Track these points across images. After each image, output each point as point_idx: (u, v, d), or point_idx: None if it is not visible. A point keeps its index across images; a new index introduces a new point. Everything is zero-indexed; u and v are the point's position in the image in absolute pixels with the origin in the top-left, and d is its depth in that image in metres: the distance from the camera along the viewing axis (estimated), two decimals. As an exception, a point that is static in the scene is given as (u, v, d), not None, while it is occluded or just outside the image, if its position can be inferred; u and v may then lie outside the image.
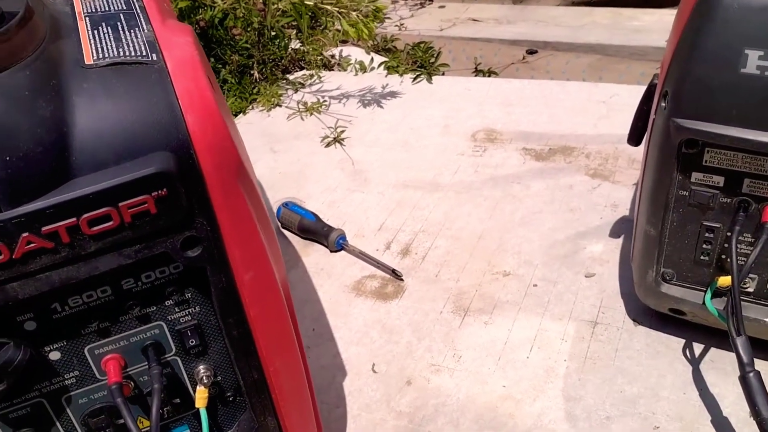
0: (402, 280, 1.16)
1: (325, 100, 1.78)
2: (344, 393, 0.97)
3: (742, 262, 0.81)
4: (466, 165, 1.46)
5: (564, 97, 1.65)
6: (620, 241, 1.18)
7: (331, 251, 1.24)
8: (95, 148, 0.54)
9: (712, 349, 0.95)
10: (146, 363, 0.65)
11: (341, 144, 1.59)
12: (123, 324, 0.62)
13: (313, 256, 1.24)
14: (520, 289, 1.11)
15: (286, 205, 1.29)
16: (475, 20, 2.10)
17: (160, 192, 0.55)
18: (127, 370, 0.65)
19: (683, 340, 0.98)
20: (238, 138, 0.74)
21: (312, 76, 1.93)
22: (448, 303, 1.10)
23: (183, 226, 0.58)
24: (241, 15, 1.95)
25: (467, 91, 1.75)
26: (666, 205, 0.85)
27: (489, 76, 1.89)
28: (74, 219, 0.53)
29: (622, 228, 1.20)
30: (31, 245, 0.52)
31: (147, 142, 0.55)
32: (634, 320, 1.02)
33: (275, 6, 1.97)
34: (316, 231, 1.24)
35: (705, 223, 0.85)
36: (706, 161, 0.80)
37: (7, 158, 0.50)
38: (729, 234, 0.81)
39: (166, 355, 0.65)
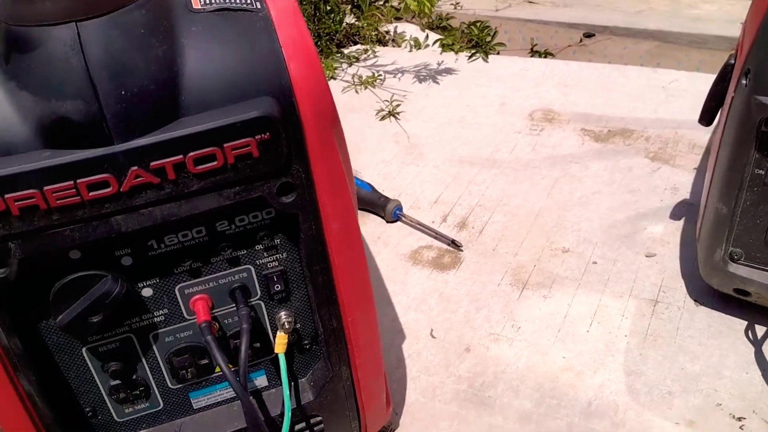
0: (461, 250, 1.17)
1: (379, 75, 1.79)
2: (403, 355, 0.98)
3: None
4: (523, 143, 1.46)
5: (623, 81, 1.64)
6: (681, 223, 1.17)
7: (388, 222, 1.25)
8: (203, 89, 0.56)
9: (777, 332, 0.95)
10: (232, 306, 0.67)
11: (396, 118, 1.60)
12: (214, 265, 0.64)
13: (369, 225, 1.25)
14: (580, 266, 1.11)
15: (346, 172, 1.31)
16: (531, 2, 2.09)
17: (263, 136, 0.56)
18: (214, 311, 0.67)
19: (746, 322, 0.97)
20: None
21: (366, 51, 1.94)
22: (507, 276, 1.11)
23: (280, 171, 0.59)
24: (299, -12, 1.96)
25: (524, 71, 1.74)
26: (740, 184, 0.85)
27: (545, 57, 1.88)
28: (181, 156, 0.54)
29: (682, 211, 1.20)
30: (139, 179, 0.54)
31: (251, 86, 0.57)
32: (695, 300, 1.02)
33: (333, -20, 1.98)
34: (373, 201, 1.26)
35: (780, 203, 0.84)
36: (787, 139, 0.79)
37: (123, 92, 0.52)
38: (807, 214, 0.80)
39: (251, 299, 0.67)
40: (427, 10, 1.62)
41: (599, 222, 1.20)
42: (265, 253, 0.65)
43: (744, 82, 0.80)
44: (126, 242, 0.60)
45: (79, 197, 0.53)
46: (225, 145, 0.55)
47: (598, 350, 0.95)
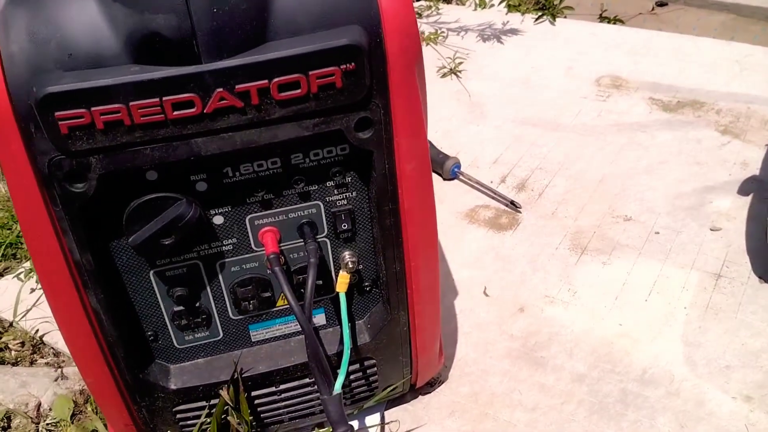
0: (520, 211, 1.15)
1: (442, 32, 1.76)
2: (456, 311, 0.98)
3: None
4: (589, 108, 1.42)
5: (694, 52, 1.58)
6: (749, 199, 1.13)
7: (445, 179, 1.24)
8: (292, 13, 0.55)
9: None
10: (299, 241, 0.67)
11: (458, 76, 1.57)
12: (285, 198, 0.64)
13: (428, 179, 1.24)
14: (642, 235, 1.08)
15: (407, 125, 1.29)
16: (602, -34, 2.01)
17: (348, 65, 0.55)
18: (281, 244, 0.67)
19: (813, 304, 0.94)
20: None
21: (430, 7, 1.90)
22: (565, 240, 1.09)
23: (360, 105, 0.58)
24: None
25: (592, 36, 1.69)
26: (827, 157, 0.81)
27: (615, 23, 1.82)
28: (266, 81, 0.54)
29: (751, 186, 1.15)
30: (223, 102, 0.54)
31: (341, 14, 0.55)
32: (760, 278, 0.99)
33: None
34: (431, 158, 1.24)
35: None
36: None
37: (215, 10, 0.51)
38: None
39: (318, 236, 0.67)
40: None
41: (664, 192, 1.17)
42: (335, 191, 0.65)
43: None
44: (202, 167, 0.60)
45: (163, 115, 0.53)
46: (310, 72, 0.55)
47: (657, 319, 0.93)
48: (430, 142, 1.27)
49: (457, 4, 1.94)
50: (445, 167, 1.23)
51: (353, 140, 0.60)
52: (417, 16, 1.86)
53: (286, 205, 0.65)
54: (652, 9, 1.82)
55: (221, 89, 0.53)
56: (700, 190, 1.16)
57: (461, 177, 1.23)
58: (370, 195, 0.65)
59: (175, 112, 0.53)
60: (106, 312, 0.64)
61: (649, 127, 1.34)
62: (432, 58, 1.65)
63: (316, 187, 0.64)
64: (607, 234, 1.09)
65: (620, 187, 1.19)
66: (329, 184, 0.64)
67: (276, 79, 0.54)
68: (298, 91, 0.55)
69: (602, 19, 1.84)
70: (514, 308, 0.97)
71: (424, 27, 1.81)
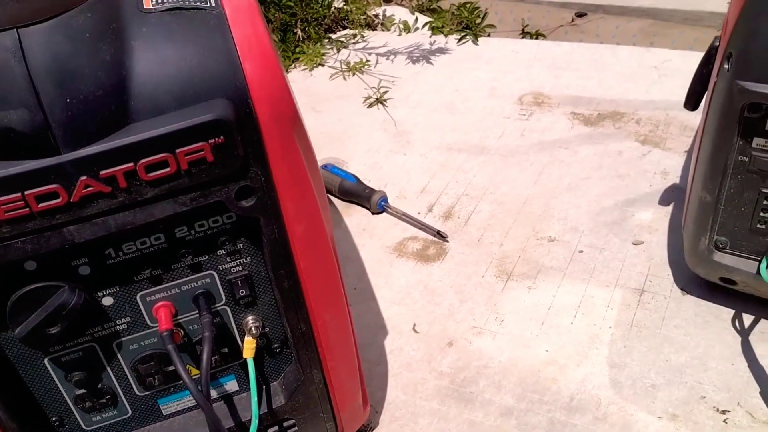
0: (447, 241, 1.15)
1: (368, 60, 1.76)
2: (385, 351, 0.97)
3: (803, 232, 0.78)
4: (512, 128, 1.43)
5: (614, 61, 1.61)
6: (670, 209, 1.15)
7: (373, 213, 1.23)
8: (153, 92, 0.54)
9: (763, 321, 0.93)
10: (196, 312, 0.65)
11: (384, 105, 1.57)
12: (175, 272, 0.63)
13: (354, 216, 1.24)
14: (566, 255, 1.09)
15: (326, 167, 1.29)
16: (522, -19, 2.05)
17: (217, 139, 0.55)
18: (178, 318, 0.65)
19: (732, 311, 0.95)
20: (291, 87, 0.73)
21: (355, 35, 1.91)
22: (491, 267, 1.09)
23: (238, 175, 0.57)
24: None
25: (514, 54, 1.71)
26: (724, 171, 0.82)
27: (537, 38, 1.85)
28: (132, 164, 0.53)
29: (672, 196, 1.17)
30: (89, 189, 0.53)
31: (205, 88, 0.55)
32: (682, 289, 1.00)
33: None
34: (358, 193, 1.24)
35: (764, 191, 0.82)
36: (770, 126, 0.77)
37: (68, 100, 0.50)
38: (791, 202, 0.78)
39: (216, 305, 0.66)
40: (414, -7, 1.59)
41: (587, 209, 1.18)
42: (228, 258, 0.64)
43: (726, 66, 0.78)
44: (82, 252, 0.59)
45: (28, 209, 0.52)
46: (177, 150, 0.54)
47: (582, 342, 0.94)
48: (357, 178, 1.27)
49: (383, 29, 1.95)
50: (372, 201, 1.22)
51: (236, 210, 0.59)
52: (343, 45, 1.87)
53: (177, 279, 0.63)
54: (572, 20, 1.85)
55: (85, 177, 0.52)
56: (622, 203, 1.18)
57: (389, 210, 1.22)
58: (264, 259, 0.65)
59: (41, 204, 0.52)
60: (3, 405, 0.62)
61: (571, 142, 1.35)
62: (359, 88, 1.66)
63: (207, 257, 0.63)
64: (532, 257, 1.10)
65: (544, 208, 1.20)
66: (220, 252, 0.63)
67: (142, 161, 0.53)
68: (168, 169, 0.54)
69: (524, 34, 1.87)
70: (443, 343, 0.97)
71: (352, 56, 1.81)
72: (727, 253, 0.89)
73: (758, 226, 0.85)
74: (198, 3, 0.58)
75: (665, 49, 1.63)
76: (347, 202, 1.27)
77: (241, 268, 0.65)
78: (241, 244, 0.64)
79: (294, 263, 0.64)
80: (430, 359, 0.95)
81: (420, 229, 1.18)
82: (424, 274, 1.10)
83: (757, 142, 0.79)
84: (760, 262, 0.85)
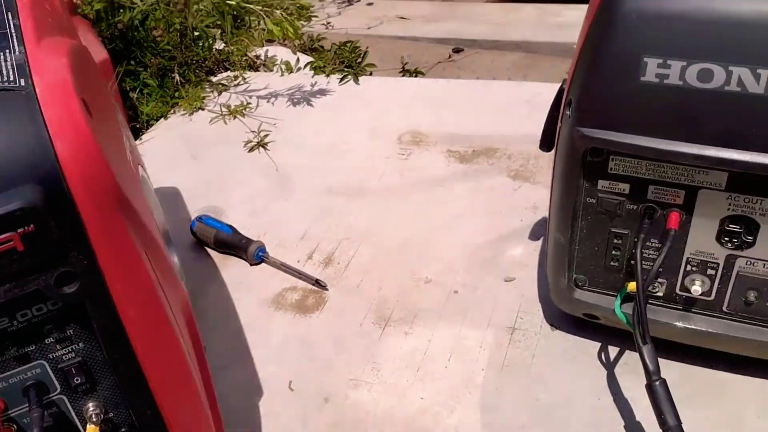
0: (326, 289, 1.14)
1: (249, 103, 1.74)
2: (260, 414, 0.94)
3: (650, 266, 0.81)
4: (391, 169, 1.44)
5: (489, 96, 1.65)
6: (539, 243, 1.18)
7: (251, 264, 1.21)
8: (-49, 184, 0.50)
9: (627, 353, 0.96)
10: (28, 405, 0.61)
11: (265, 148, 1.55)
12: (0, 365, 0.59)
13: (231, 269, 1.21)
14: (441, 297, 1.10)
15: (200, 218, 1.25)
16: (403, 18, 2.09)
17: (26, 228, 0.51)
18: (9, 412, 0.61)
19: (599, 344, 0.98)
20: (127, 160, 0.71)
21: (236, 77, 1.88)
22: (370, 313, 1.08)
23: (56, 261, 0.54)
24: (161, 16, 1.89)
25: (394, 92, 1.73)
26: (574, 213, 0.85)
27: (416, 76, 1.88)
28: (-71, 261, 0.49)
29: (541, 230, 1.21)
30: None
31: (11, 175, 0.52)
32: (551, 325, 1.02)
33: (197, 6, 1.91)
34: (234, 244, 1.21)
35: (613, 230, 0.85)
36: (611, 169, 0.80)
37: None
38: (635, 241, 0.81)
39: (51, 395, 0.62)
40: (291, 35, 1.59)
41: (462, 247, 1.20)
42: (58, 346, 0.60)
43: (568, 112, 0.80)
44: None
45: None
46: (-20, 243, 0.50)
47: (456, 387, 0.94)
48: (233, 228, 1.24)
49: (265, 71, 1.94)
50: (249, 253, 1.20)
51: (57, 297, 0.56)
52: (224, 87, 1.84)
53: (3, 371, 0.59)
54: (450, 56, 1.90)
55: None
56: (495, 240, 1.20)
57: (267, 260, 1.20)
58: (99, 343, 0.61)
59: None
60: None
61: (447, 180, 1.38)
62: (240, 131, 1.63)
63: (34, 346, 0.59)
64: (409, 300, 1.10)
65: (421, 249, 1.20)
66: (48, 341, 0.60)
67: (-60, 258, 0.49)
68: (-28, 264, 0.50)
69: (404, 72, 1.90)
70: (319, 400, 0.95)
71: (232, 99, 1.78)
72: (587, 290, 0.92)
73: (611, 264, 0.88)
74: (5, 83, 0.54)
75: (537, 82, 1.70)
76: (224, 254, 1.24)
77: (73, 355, 0.61)
78: (71, 330, 0.60)
79: (130, 346, 0.61)
80: (306, 419, 0.93)
81: (299, 278, 1.17)
82: (302, 326, 1.08)
83: (601, 184, 0.82)
84: (616, 298, 0.88)
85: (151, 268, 0.62)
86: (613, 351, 0.97)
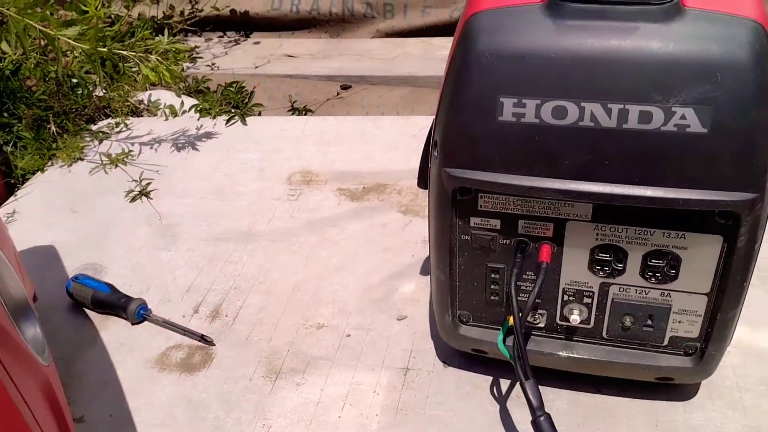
0: (213, 345, 1.09)
1: (131, 150, 1.68)
2: (143, 487, 0.88)
3: (526, 299, 0.82)
4: (282, 210, 1.41)
5: (378, 132, 1.66)
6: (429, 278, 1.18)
7: (132, 323, 1.14)
8: None
9: (518, 385, 0.96)
10: None
11: (148, 197, 1.49)
12: None
13: (112, 329, 1.14)
14: (334, 342, 1.07)
15: (76, 278, 1.18)
16: (290, 56, 2.07)
17: None
18: None
19: (491, 378, 0.98)
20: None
21: (118, 124, 1.81)
22: (260, 367, 1.04)
23: None
24: (34, 65, 1.81)
25: (283, 131, 1.71)
26: (451, 250, 0.85)
27: (305, 113, 1.87)
28: None
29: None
30: None
31: None
32: (443, 362, 1.02)
33: (72, 53, 1.84)
34: (112, 303, 1.14)
35: (490, 265, 0.85)
36: (481, 206, 0.81)
37: None
38: (510, 276, 0.82)
39: None
40: (168, 80, 1.54)
41: (354, 288, 1.18)
42: None
43: (435, 153, 0.80)
44: None
45: None
46: None
47: (350, 437, 0.92)
48: (112, 286, 1.18)
49: (148, 115, 1.87)
50: (129, 312, 1.13)
51: None
52: (105, 135, 1.76)
53: None
54: (338, 93, 1.90)
55: None
56: (387, 278, 1.19)
57: (149, 318, 1.14)
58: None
59: None
60: None
61: (339, 220, 1.36)
62: (121, 181, 1.56)
63: None
64: (301, 349, 1.07)
65: (313, 292, 1.18)
66: None
67: None
68: None
69: (293, 110, 1.88)
70: (208, 464, 0.90)
71: (114, 147, 1.71)
72: (472, 326, 0.92)
73: (492, 298, 0.88)
74: None
75: (423, 116, 1.71)
76: (104, 315, 1.17)
77: None
78: None
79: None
80: (192, 486, 0.88)
81: (184, 335, 1.11)
82: (188, 386, 1.03)
83: (474, 221, 0.82)
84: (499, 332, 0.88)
85: (-12, 351, 0.57)
86: (504, 384, 0.97)
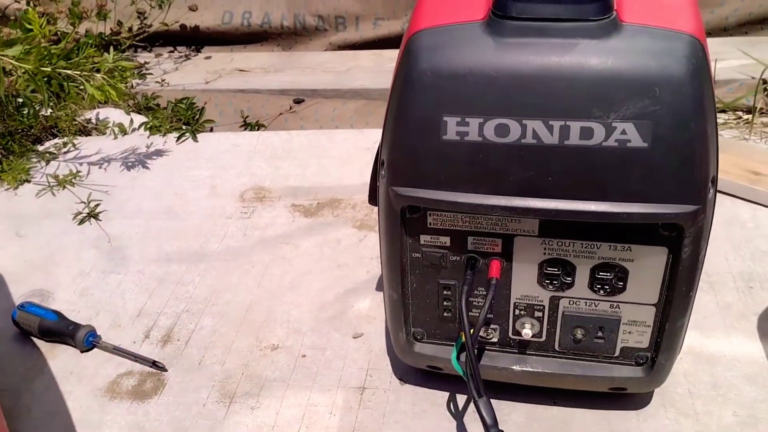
0: (165, 370, 1.07)
1: (79, 171, 1.63)
2: None
3: (477, 315, 0.82)
4: (234, 229, 1.39)
5: (331, 146, 1.65)
6: (387, 294, 1.17)
7: (81, 351, 1.11)
8: None
9: (474, 399, 0.96)
10: None
11: (97, 219, 1.46)
12: None
13: (60, 358, 1.11)
14: (289, 363, 1.06)
15: (22, 306, 1.14)
16: (242, 70, 2.05)
17: None
18: None
19: (447, 394, 0.98)
20: None
21: (66, 144, 1.77)
22: (213, 391, 1.02)
23: None
24: (-26, 84, 1.75)
25: (235, 147, 1.69)
26: (402, 268, 0.84)
27: (257, 129, 1.85)
28: None
29: (388, 280, 1.20)
30: None
31: None
32: (400, 379, 1.01)
33: (17, 73, 1.79)
34: (60, 331, 1.11)
35: (442, 282, 0.85)
36: (430, 224, 0.80)
37: None
38: (460, 293, 0.82)
39: None
40: (114, 98, 1.51)
41: (309, 306, 1.16)
42: None
43: (382, 171, 0.80)
44: None
45: None
46: None
47: (306, 461, 0.90)
48: (59, 313, 1.14)
49: (97, 134, 1.83)
50: (77, 339, 1.10)
51: None
52: (52, 156, 1.72)
53: None
54: (291, 108, 1.88)
55: None
56: (342, 295, 1.18)
57: (98, 345, 1.11)
58: None
59: None
60: None
61: (292, 237, 1.35)
62: (69, 203, 1.52)
63: None
64: (255, 371, 1.05)
65: (266, 312, 1.16)
66: None
67: None
68: None
69: (245, 125, 1.86)
70: (160, 496, 0.88)
71: (61, 168, 1.67)
72: (426, 342, 0.91)
73: (445, 314, 0.88)
74: None
75: (377, 128, 1.70)
76: (51, 342, 1.14)
77: None
78: None
79: None
80: None
81: (135, 361, 1.09)
82: (139, 414, 1.00)
83: (423, 238, 0.82)
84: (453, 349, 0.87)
85: None
86: (461, 399, 0.97)
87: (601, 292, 0.80)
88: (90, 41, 1.86)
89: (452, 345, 0.88)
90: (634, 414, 0.93)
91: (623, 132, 0.68)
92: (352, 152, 1.61)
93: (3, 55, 1.40)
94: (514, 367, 0.88)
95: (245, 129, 1.85)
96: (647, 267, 0.77)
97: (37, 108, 1.84)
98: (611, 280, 0.79)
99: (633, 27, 0.70)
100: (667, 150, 0.69)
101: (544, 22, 0.70)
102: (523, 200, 0.72)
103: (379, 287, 1.19)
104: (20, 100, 1.84)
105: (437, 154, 0.73)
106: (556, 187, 0.72)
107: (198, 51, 2.26)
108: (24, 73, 1.51)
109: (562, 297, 0.82)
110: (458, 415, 0.95)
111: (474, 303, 0.84)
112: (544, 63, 0.69)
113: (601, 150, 0.69)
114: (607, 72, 0.68)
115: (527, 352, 0.88)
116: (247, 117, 1.87)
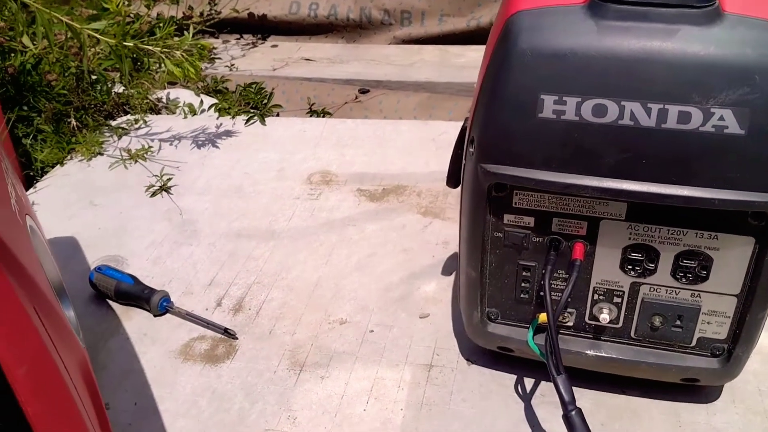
0: (236, 338, 1.10)
1: (151, 147, 1.69)
2: (169, 475, 0.89)
3: (558, 297, 0.83)
4: (301, 209, 1.42)
5: (396, 136, 1.67)
6: (452, 278, 1.19)
7: (155, 315, 1.15)
8: None
9: (542, 383, 0.97)
10: None
11: (168, 193, 1.50)
12: None
13: (135, 320, 1.15)
14: (357, 337, 1.08)
15: (99, 269, 1.19)
16: (308, 60, 2.09)
17: None
18: None
19: (515, 376, 0.99)
20: (11, 210, 0.66)
21: (137, 121, 1.83)
22: (283, 360, 1.05)
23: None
24: (55, 60, 1.82)
25: (302, 133, 1.72)
26: (483, 247, 0.86)
27: (323, 116, 1.88)
28: None
29: (453, 265, 1.21)
30: None
31: None
32: (467, 360, 1.02)
33: (93, 50, 1.86)
34: (136, 295, 1.15)
35: (521, 263, 0.86)
36: (515, 203, 0.82)
37: None
38: (543, 273, 0.83)
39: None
40: (192, 75, 1.55)
41: (375, 286, 1.19)
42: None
43: (471, 150, 0.81)
44: None
45: None
46: None
47: (375, 430, 0.92)
48: (135, 278, 1.19)
49: (167, 113, 1.89)
50: (152, 303, 1.14)
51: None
52: (124, 131, 1.78)
53: None
54: (356, 97, 1.91)
55: None
56: (407, 277, 1.20)
57: (172, 310, 1.15)
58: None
59: None
60: None
61: (358, 220, 1.37)
62: (141, 176, 1.57)
63: None
64: (324, 343, 1.07)
65: (334, 289, 1.19)
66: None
67: None
68: None
69: (311, 112, 1.89)
70: (233, 453, 0.91)
71: (133, 143, 1.72)
72: (500, 323, 0.93)
73: (522, 296, 0.89)
74: None
75: (442, 121, 1.73)
76: (126, 306, 1.18)
77: (-47, 427, 0.55)
78: (-51, 400, 0.54)
79: (21, 410, 0.56)
80: (218, 474, 0.88)
81: (207, 328, 1.12)
82: (212, 377, 1.03)
83: (507, 218, 0.83)
84: (528, 330, 0.89)
85: (42, 325, 0.57)
86: (528, 383, 0.98)
87: (684, 280, 0.81)
88: (167, 22, 1.91)
89: (526, 327, 0.89)
90: (703, 407, 0.93)
91: (721, 118, 0.69)
92: (416, 143, 1.63)
93: (87, 29, 1.46)
94: (588, 352, 0.89)
95: (311, 116, 1.89)
96: (732, 256, 0.78)
97: (110, 85, 1.91)
98: (695, 268, 0.79)
99: (734, 16, 0.70)
100: (763, 138, 0.69)
101: (647, 7, 0.71)
102: (614, 182, 0.73)
103: (446, 272, 1.21)
104: (94, 76, 1.90)
105: (532, 131, 0.74)
106: (648, 170, 0.73)
107: (264, 39, 2.31)
108: (105, 47, 1.56)
109: (644, 283, 0.83)
110: (526, 398, 0.96)
111: (552, 286, 0.85)
112: (645, 47, 0.70)
113: (698, 135, 0.70)
114: (708, 59, 0.69)
115: (602, 337, 0.89)
116: (313, 104, 1.90)
